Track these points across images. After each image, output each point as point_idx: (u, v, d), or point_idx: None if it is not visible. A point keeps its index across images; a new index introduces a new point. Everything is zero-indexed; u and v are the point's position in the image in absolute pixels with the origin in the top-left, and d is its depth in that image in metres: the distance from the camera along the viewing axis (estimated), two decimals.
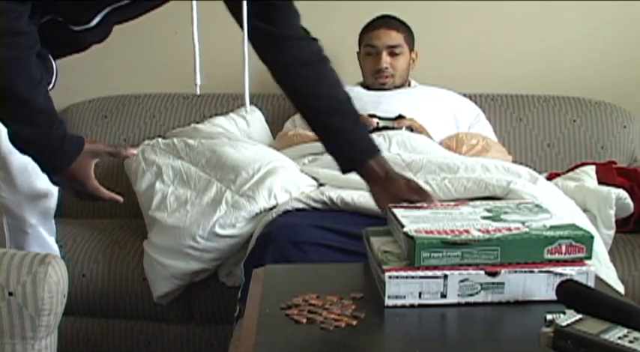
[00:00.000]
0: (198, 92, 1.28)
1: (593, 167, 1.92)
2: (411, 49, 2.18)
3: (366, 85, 2.20)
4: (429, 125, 2.00)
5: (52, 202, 1.57)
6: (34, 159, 1.16)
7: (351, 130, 1.28)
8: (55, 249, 1.65)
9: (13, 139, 1.13)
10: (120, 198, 1.24)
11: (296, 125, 2.20)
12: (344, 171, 1.31)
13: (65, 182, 1.18)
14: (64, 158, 1.14)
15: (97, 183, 1.19)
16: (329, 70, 1.32)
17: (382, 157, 1.29)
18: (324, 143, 1.32)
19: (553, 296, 0.93)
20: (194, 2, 1.20)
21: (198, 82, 1.24)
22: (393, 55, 2.13)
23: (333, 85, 1.31)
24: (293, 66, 1.30)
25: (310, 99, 1.30)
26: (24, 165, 1.44)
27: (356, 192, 1.60)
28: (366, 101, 2.08)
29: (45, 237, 1.59)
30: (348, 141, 1.28)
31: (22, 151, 1.15)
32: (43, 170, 1.17)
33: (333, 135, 1.29)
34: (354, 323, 0.91)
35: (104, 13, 1.20)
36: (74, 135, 1.16)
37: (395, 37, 2.12)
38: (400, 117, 1.97)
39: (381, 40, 2.12)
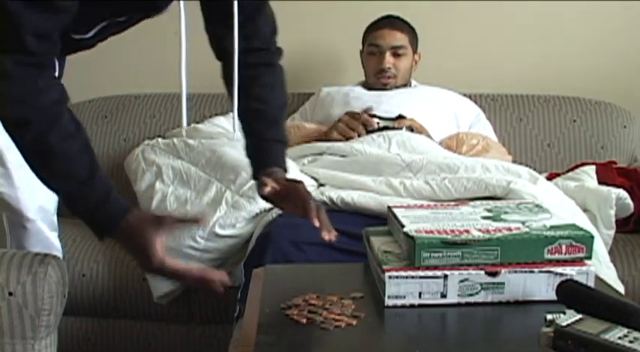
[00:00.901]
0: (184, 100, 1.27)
1: (593, 167, 1.92)
2: (415, 51, 2.18)
3: (367, 85, 2.20)
4: (430, 125, 2.00)
5: (51, 197, 1.57)
6: (86, 222, 1.10)
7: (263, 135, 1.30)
8: (56, 244, 1.64)
9: (63, 202, 1.09)
10: (226, 280, 1.06)
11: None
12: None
13: (126, 247, 1.10)
14: (110, 214, 1.06)
15: (168, 258, 1.05)
16: (271, 73, 1.34)
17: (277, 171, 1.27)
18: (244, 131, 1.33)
19: (553, 296, 0.93)
20: (182, 2, 1.19)
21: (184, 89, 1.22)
22: (396, 55, 2.12)
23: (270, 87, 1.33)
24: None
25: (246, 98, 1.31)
26: (21, 160, 1.44)
27: (356, 192, 1.60)
28: (366, 101, 2.08)
29: (45, 232, 1.58)
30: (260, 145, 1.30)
31: (74, 213, 1.09)
32: (98, 236, 1.10)
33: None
34: (354, 323, 0.91)
35: (100, 26, 1.20)
36: (123, 198, 1.10)
37: (399, 38, 2.12)
38: (400, 117, 1.97)
39: (386, 40, 2.12)
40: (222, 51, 1.34)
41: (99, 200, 1.05)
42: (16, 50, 0.98)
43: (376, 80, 2.15)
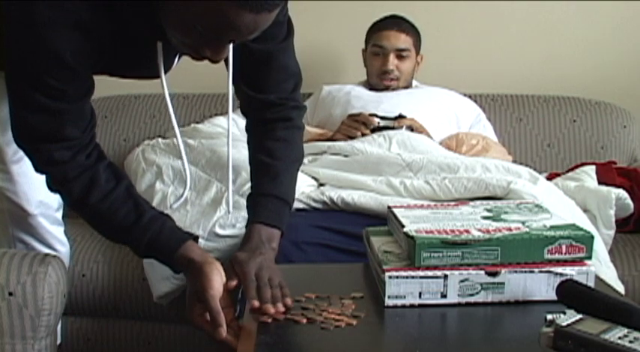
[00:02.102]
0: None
1: (593, 167, 1.92)
2: (417, 53, 2.18)
3: (369, 85, 2.20)
4: (431, 125, 2.00)
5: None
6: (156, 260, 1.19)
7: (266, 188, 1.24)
8: (61, 238, 1.64)
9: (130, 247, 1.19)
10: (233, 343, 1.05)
11: None
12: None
13: (187, 280, 1.14)
14: (163, 251, 1.14)
15: (219, 306, 1.06)
16: (286, 127, 1.28)
17: (271, 233, 1.20)
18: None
19: (553, 296, 0.93)
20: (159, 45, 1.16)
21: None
22: (400, 58, 2.12)
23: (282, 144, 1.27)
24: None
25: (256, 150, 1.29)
26: (20, 158, 1.44)
27: (356, 192, 1.60)
28: (367, 100, 2.08)
29: (46, 227, 1.58)
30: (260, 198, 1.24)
31: (138, 254, 1.19)
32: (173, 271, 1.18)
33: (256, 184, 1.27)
34: (354, 323, 0.91)
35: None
36: (179, 232, 1.16)
37: (404, 41, 2.12)
38: (400, 116, 1.97)
39: (390, 42, 2.11)
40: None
41: (151, 239, 1.13)
42: (56, 140, 1.10)
43: (379, 81, 2.14)
